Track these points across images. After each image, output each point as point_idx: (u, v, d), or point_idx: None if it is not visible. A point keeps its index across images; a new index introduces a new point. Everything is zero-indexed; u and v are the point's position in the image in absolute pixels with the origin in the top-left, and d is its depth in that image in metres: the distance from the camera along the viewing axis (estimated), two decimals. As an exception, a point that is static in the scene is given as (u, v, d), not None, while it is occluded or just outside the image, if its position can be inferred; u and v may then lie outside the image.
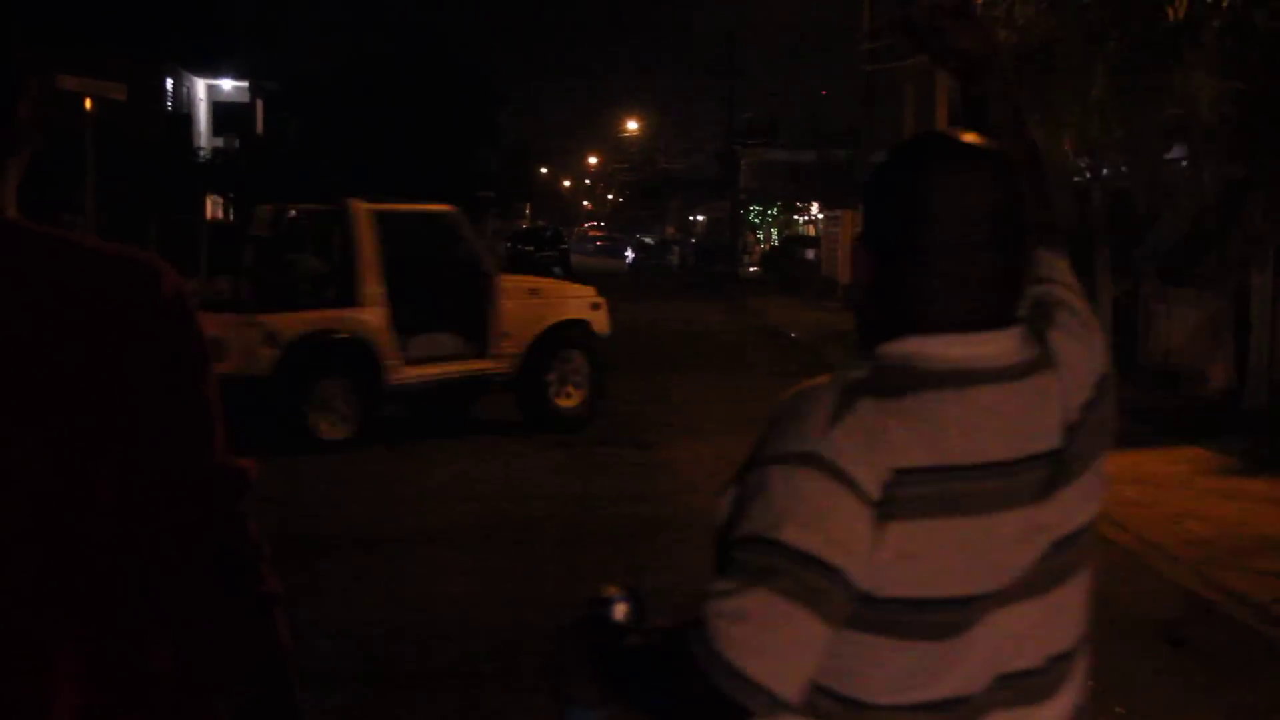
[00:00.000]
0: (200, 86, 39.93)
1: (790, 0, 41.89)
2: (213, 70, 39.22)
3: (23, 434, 1.61)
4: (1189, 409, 14.54)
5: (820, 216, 47.79)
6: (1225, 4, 12.47)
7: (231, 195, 34.80)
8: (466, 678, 5.92)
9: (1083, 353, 1.73)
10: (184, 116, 37.34)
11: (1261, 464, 11.32)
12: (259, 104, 40.90)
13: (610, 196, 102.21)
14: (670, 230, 78.21)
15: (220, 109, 40.31)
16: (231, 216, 34.64)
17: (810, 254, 43.42)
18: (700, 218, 74.39)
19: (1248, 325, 14.55)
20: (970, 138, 1.70)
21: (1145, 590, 7.77)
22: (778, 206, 59.70)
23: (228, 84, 40.28)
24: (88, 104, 17.32)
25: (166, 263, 1.74)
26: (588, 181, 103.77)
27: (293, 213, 13.55)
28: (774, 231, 62.57)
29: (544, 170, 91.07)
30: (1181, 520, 9.47)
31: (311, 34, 39.12)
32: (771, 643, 1.53)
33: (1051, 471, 1.64)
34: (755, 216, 64.24)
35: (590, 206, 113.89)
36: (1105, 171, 17.92)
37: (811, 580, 1.52)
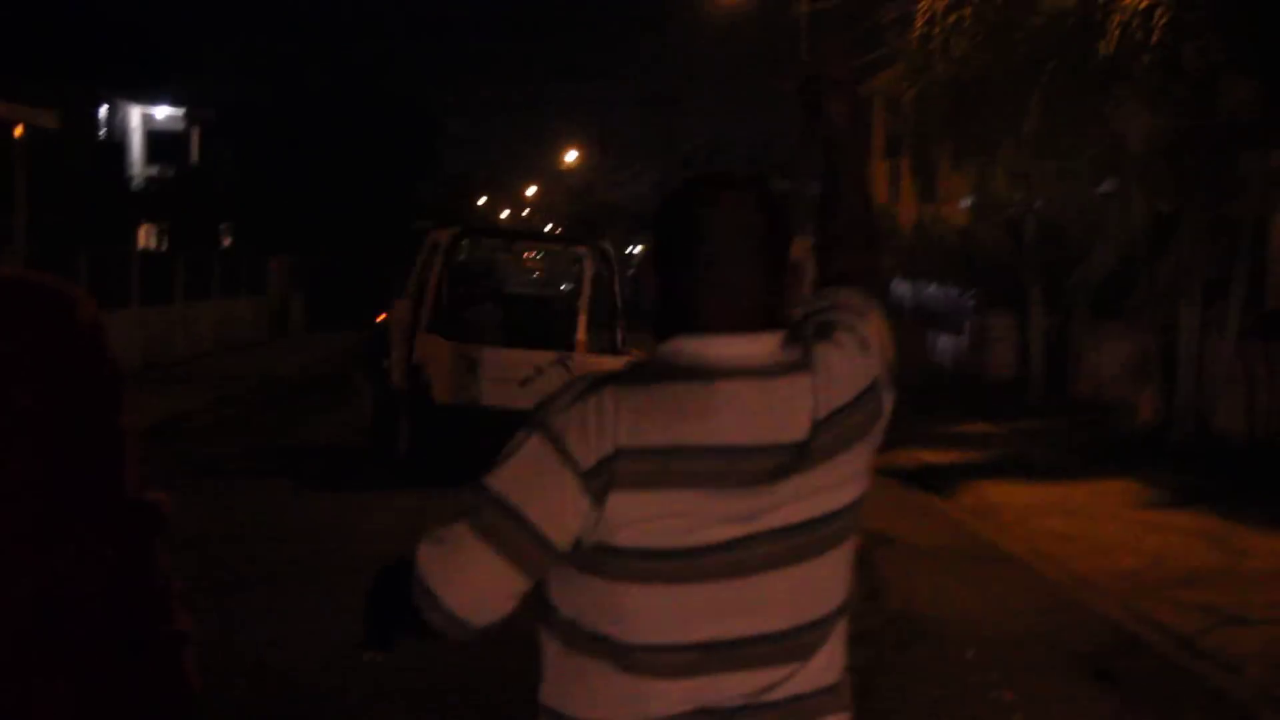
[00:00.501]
0: (135, 114, 39.53)
1: (731, 33, 42.08)
2: (148, 98, 38.84)
3: None
4: (1118, 442, 14.63)
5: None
6: (1155, 39, 12.60)
7: (165, 224, 34.47)
8: (385, 713, 5.82)
9: (848, 366, 1.95)
10: (117, 145, 36.94)
11: (1188, 497, 11.39)
12: (195, 132, 40.59)
13: (549, 227, 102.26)
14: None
15: (155, 137, 39.95)
16: (165, 246, 34.31)
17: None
18: (639, 248, 74.57)
19: (1174, 358, 14.68)
20: (737, 174, 1.99)
21: (1072, 623, 7.78)
22: (717, 238, 59.88)
23: (163, 112, 39.94)
24: (17, 131, 17.09)
25: (83, 292, 1.71)
26: (526, 212, 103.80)
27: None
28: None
29: (483, 201, 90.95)
30: (1109, 552, 9.50)
31: (249, 63, 38.85)
32: (456, 566, 1.81)
33: (790, 459, 1.85)
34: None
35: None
36: (1038, 204, 18.09)
37: (503, 525, 1.79)
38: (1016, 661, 6.84)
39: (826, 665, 1.94)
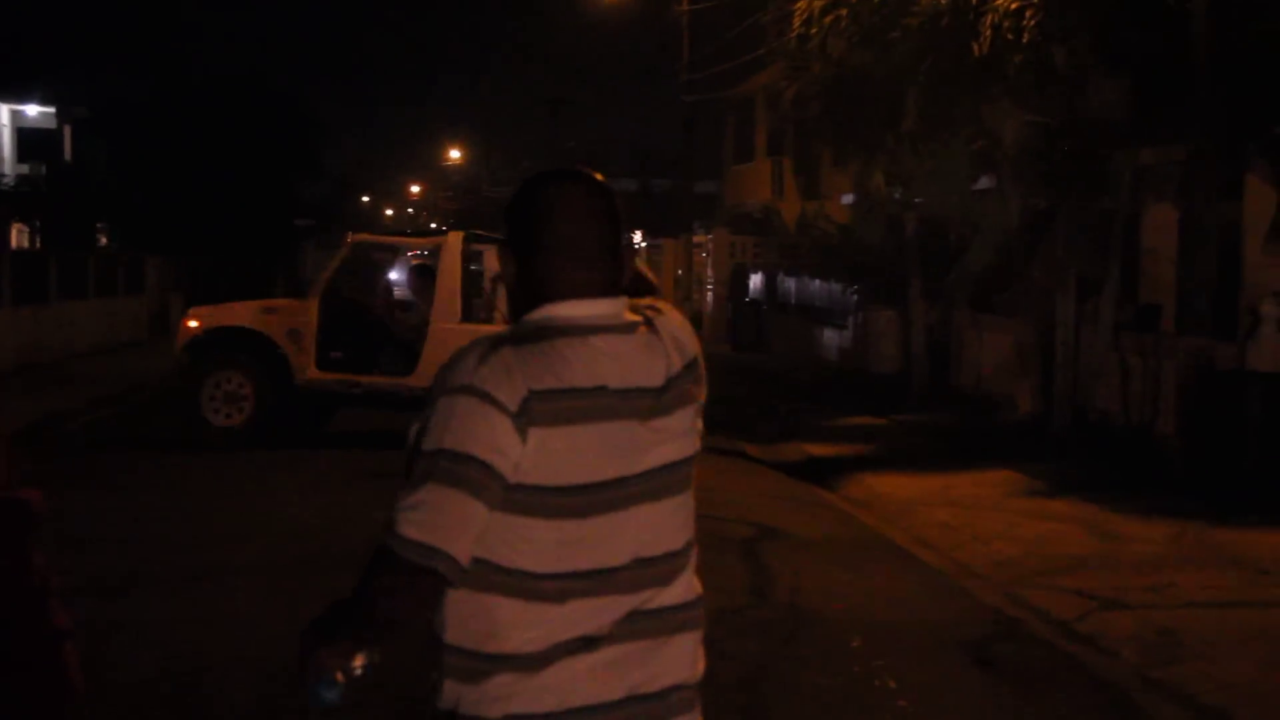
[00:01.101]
0: (3, 111, 38.62)
1: (616, 30, 42.25)
2: (17, 95, 37.96)
3: None
4: (998, 433, 14.93)
5: (643, 244, 48.10)
6: (1026, 39, 12.87)
7: (37, 223, 33.70)
8: (272, 713, 5.77)
9: (683, 335, 2.34)
10: (-16, 142, 36.10)
11: (1067, 485, 11.65)
12: (66, 130, 39.72)
13: (434, 225, 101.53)
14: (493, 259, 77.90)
15: (25, 134, 39.05)
16: (38, 244, 33.56)
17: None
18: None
19: (1052, 351, 15.00)
20: (576, 167, 2.37)
21: (955, 610, 7.93)
22: (601, 236, 59.92)
23: (33, 109, 39.03)
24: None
25: None
26: (410, 210, 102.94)
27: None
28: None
29: (366, 199, 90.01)
30: (990, 541, 9.69)
31: (123, 60, 38.08)
32: (442, 519, 2.09)
33: (654, 402, 2.22)
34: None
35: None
36: (917, 201, 18.37)
37: (469, 472, 2.09)
38: (901, 649, 6.95)
39: (687, 587, 2.31)
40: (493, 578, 2.14)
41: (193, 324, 13.75)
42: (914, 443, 14.66)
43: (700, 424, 2.36)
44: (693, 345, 2.36)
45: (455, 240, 13.56)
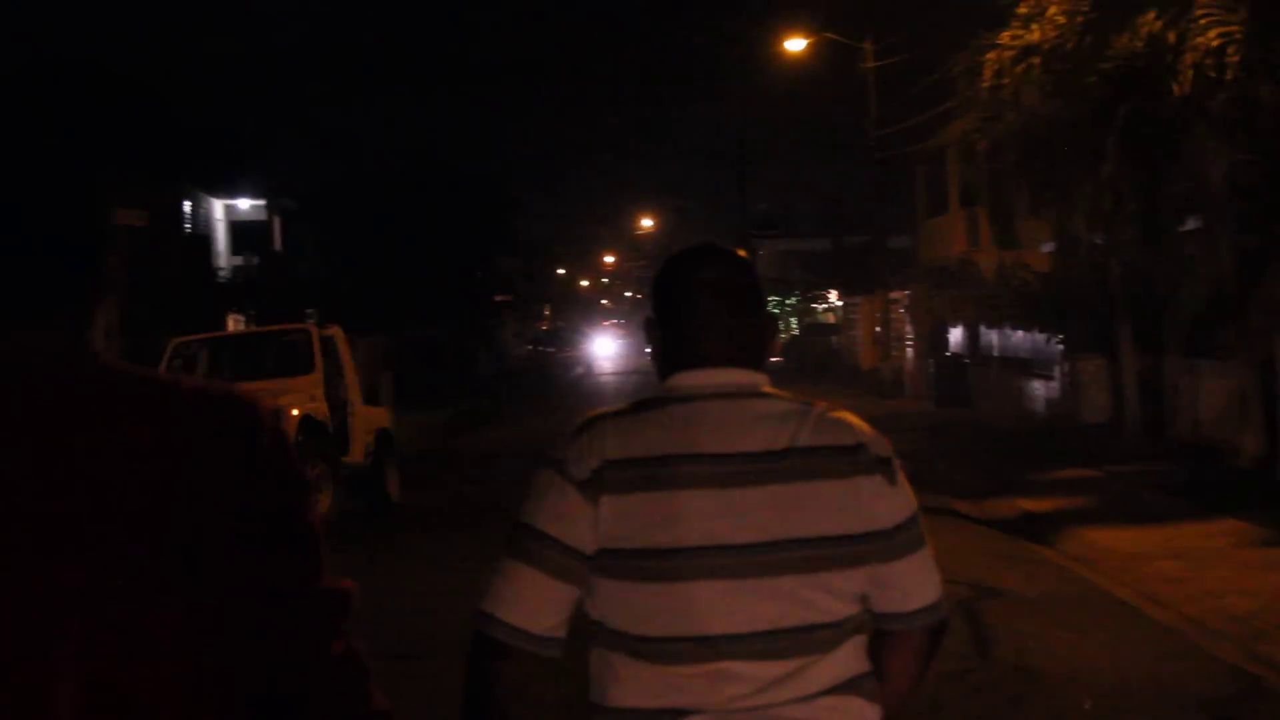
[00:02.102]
0: (218, 207, 40.36)
1: (799, 93, 42.34)
2: (229, 191, 39.65)
3: (132, 578, 1.65)
4: (1222, 481, 14.42)
5: (840, 304, 47.88)
6: (1230, 76, 12.55)
7: (252, 312, 35.06)
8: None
9: (826, 420, 2.23)
10: (203, 237, 37.71)
11: (1299, 533, 11.20)
12: (276, 221, 41.33)
13: (628, 294, 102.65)
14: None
15: (238, 228, 40.73)
16: (253, 333, 34.86)
17: (832, 341, 43.47)
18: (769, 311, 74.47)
19: (1275, 394, 14.48)
20: (716, 244, 2.41)
21: (1189, 667, 7.68)
22: (796, 295, 59.89)
23: (245, 203, 40.72)
24: (109, 231, 17.55)
25: (265, 400, 1.80)
26: (605, 280, 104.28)
27: None
28: (793, 320, 62.73)
29: (561, 271, 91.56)
30: (1222, 595, 9.36)
31: (325, 150, 39.51)
32: (504, 589, 2.18)
33: (769, 464, 2.16)
34: (774, 307, 64.39)
35: (609, 305, 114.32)
36: (1121, 245, 17.96)
37: (532, 545, 2.17)
38: (1135, 710, 6.76)
39: (837, 664, 2.19)
40: (609, 639, 2.20)
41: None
42: (1131, 494, 14.26)
43: (884, 508, 2.23)
44: (860, 435, 2.24)
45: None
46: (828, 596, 2.18)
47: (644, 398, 2.28)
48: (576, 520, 2.15)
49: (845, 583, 2.20)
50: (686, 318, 2.29)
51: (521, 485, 2.28)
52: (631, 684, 2.17)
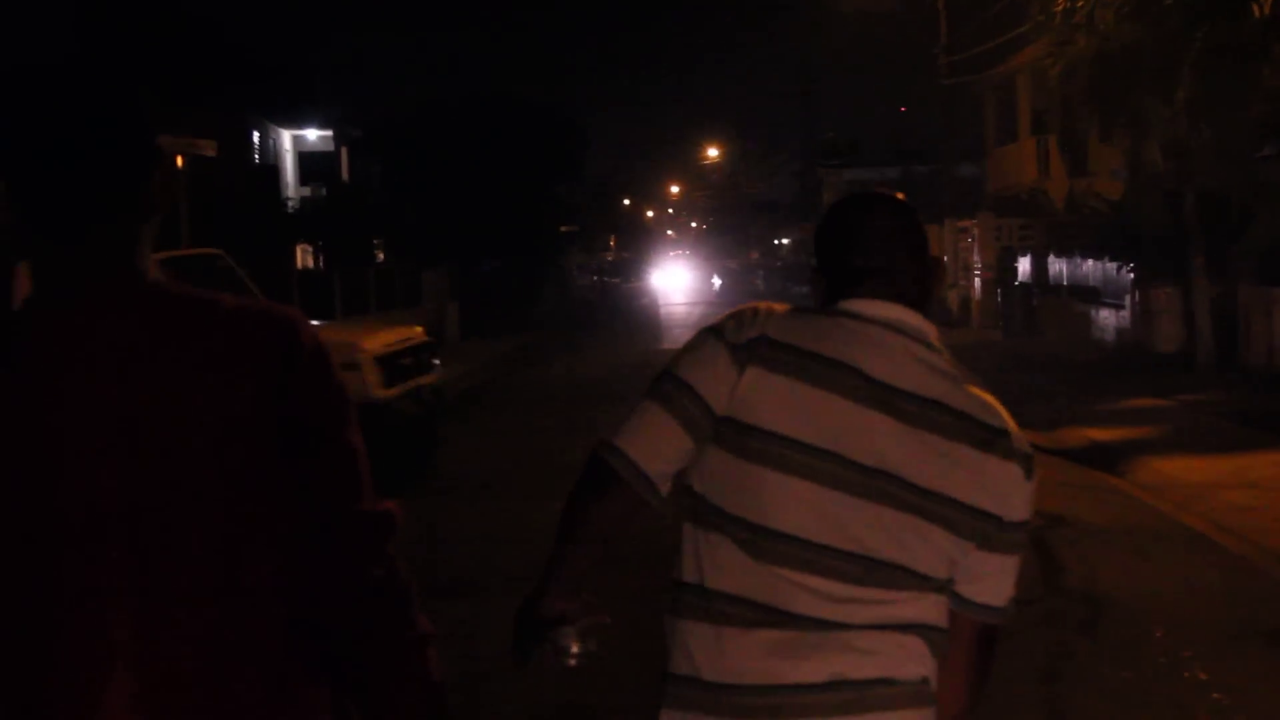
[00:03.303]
0: (286, 137, 40.53)
1: (866, 17, 41.75)
2: (297, 121, 39.82)
3: (181, 491, 1.69)
4: (1296, 410, 14.23)
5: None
6: (1312, -3, 12.27)
7: (320, 243, 35.27)
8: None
9: (973, 398, 2.25)
10: (271, 168, 37.91)
11: (1375, 463, 11.05)
12: (343, 152, 41.45)
13: (694, 224, 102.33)
14: (754, 255, 78.13)
15: (306, 159, 40.93)
16: (321, 263, 35.10)
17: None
18: (785, 240, 74.25)
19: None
20: (882, 190, 2.45)
21: (1258, 595, 7.62)
22: (862, 225, 59.38)
23: (312, 134, 40.88)
24: (179, 161, 17.67)
25: (303, 315, 1.81)
26: (671, 210, 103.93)
27: None
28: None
29: (627, 202, 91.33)
30: (1295, 524, 9.27)
31: (391, 80, 39.54)
32: (635, 425, 2.25)
33: (901, 403, 2.18)
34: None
35: (674, 235, 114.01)
36: (1196, 172, 17.67)
37: (673, 392, 2.23)
38: (1208, 640, 6.71)
39: (912, 608, 2.22)
40: (712, 516, 2.22)
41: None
42: (1203, 423, 14.11)
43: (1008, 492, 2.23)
44: (1007, 423, 2.25)
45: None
46: (924, 546, 2.19)
47: (811, 307, 2.34)
48: (718, 378, 2.21)
49: (946, 544, 2.20)
50: (856, 259, 2.33)
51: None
52: (717, 567, 2.21)
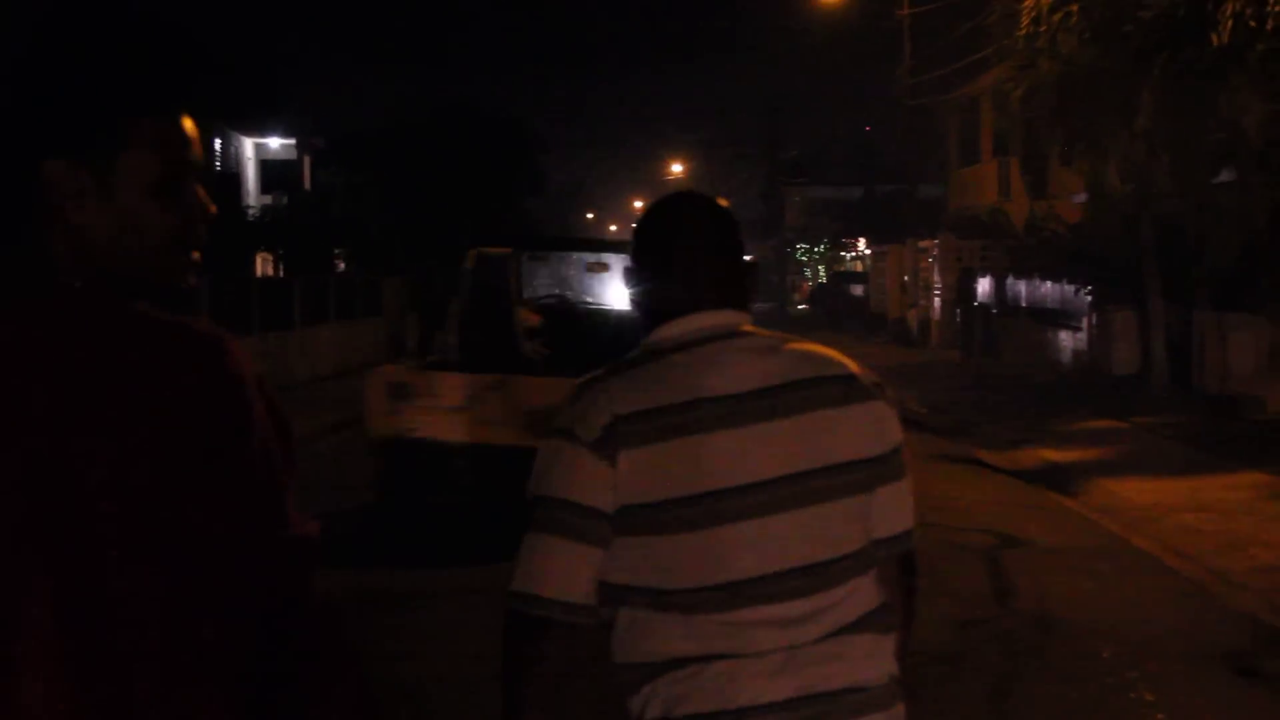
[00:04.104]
0: (248, 145, 40.34)
1: (832, 37, 42.00)
2: (260, 129, 39.63)
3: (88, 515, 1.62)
4: (1247, 434, 14.35)
5: (868, 252, 47.67)
6: (1270, 26, 12.38)
7: (281, 251, 35.11)
8: None
9: (810, 354, 2.29)
10: (233, 175, 37.68)
11: (1325, 488, 11.16)
12: (306, 161, 41.28)
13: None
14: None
15: (268, 167, 40.70)
16: (281, 272, 34.96)
17: (858, 289, 43.34)
18: (747, 257, 74.31)
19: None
20: (696, 191, 2.49)
21: (1212, 619, 7.67)
22: (825, 244, 59.62)
23: (275, 142, 40.69)
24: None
25: (229, 334, 1.73)
26: (634, 225, 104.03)
27: None
28: (821, 269, 62.47)
29: (590, 215, 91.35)
30: (1246, 547, 9.34)
31: (356, 91, 39.52)
32: (535, 564, 2.15)
33: (773, 400, 2.18)
34: (802, 254, 64.14)
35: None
36: (1154, 197, 17.81)
37: (555, 515, 2.14)
38: (1156, 660, 6.75)
39: (864, 596, 2.23)
40: (634, 599, 2.17)
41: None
42: (1156, 446, 14.22)
43: (888, 432, 2.27)
44: (847, 366, 2.29)
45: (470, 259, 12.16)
46: (846, 524, 2.21)
47: (634, 355, 2.27)
48: (593, 481, 2.13)
49: (860, 508, 2.23)
50: (672, 263, 2.31)
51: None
52: (661, 636, 2.16)
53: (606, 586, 2.17)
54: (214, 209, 1.83)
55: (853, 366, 2.29)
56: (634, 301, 2.38)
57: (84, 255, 1.72)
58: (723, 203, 2.43)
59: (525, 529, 2.18)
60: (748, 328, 2.29)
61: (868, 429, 2.25)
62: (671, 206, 2.42)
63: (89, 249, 1.72)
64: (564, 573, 2.14)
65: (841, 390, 2.24)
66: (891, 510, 2.29)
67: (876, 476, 2.25)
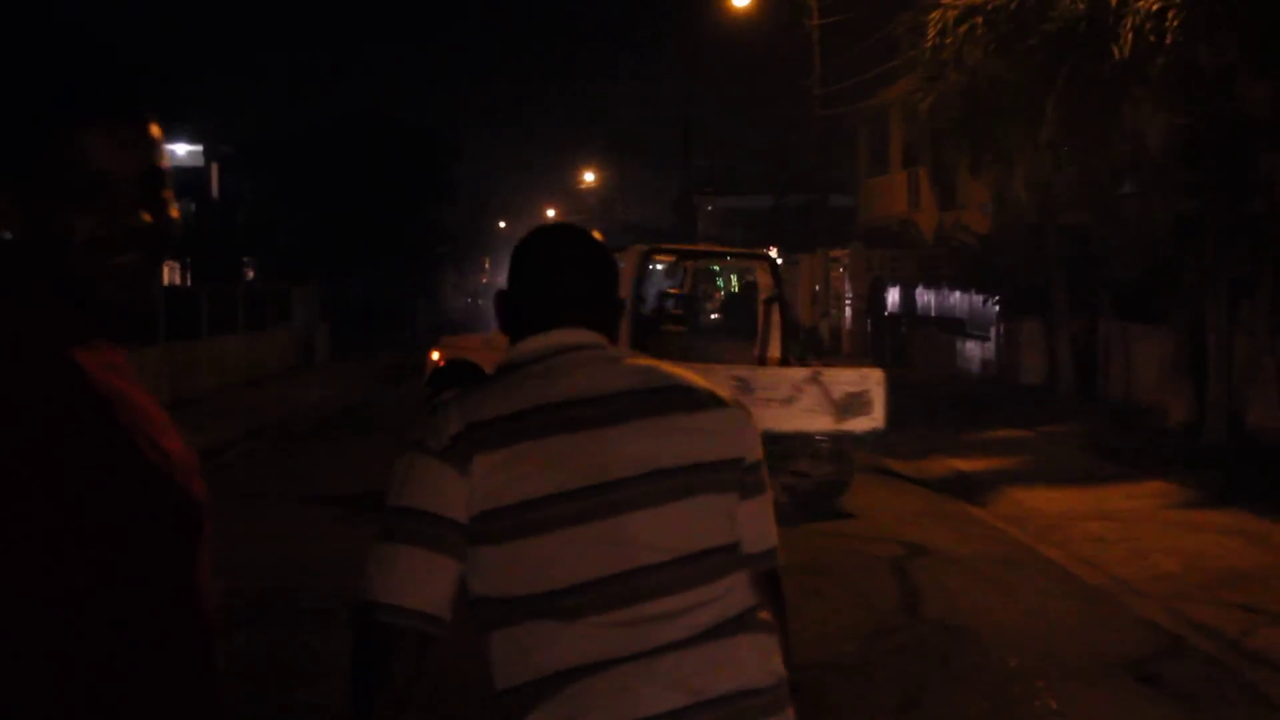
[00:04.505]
0: (154, 152, 39.78)
1: (744, 48, 42.23)
2: (167, 134, 39.01)
3: None
4: (1151, 443, 14.58)
5: (779, 261, 47.91)
6: (1169, 40, 12.60)
7: (188, 260, 34.66)
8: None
9: (654, 369, 2.34)
10: (138, 182, 37.17)
11: (1224, 496, 11.35)
12: (214, 168, 40.78)
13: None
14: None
15: (175, 174, 40.11)
16: (189, 280, 34.52)
17: (770, 299, 43.42)
18: (659, 266, 74.61)
19: (1204, 358, 14.65)
20: (575, 225, 2.56)
21: (1114, 627, 7.77)
22: (737, 253, 59.77)
23: (182, 149, 40.16)
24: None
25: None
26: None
27: None
28: (734, 278, 62.75)
29: (502, 224, 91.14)
30: (1148, 555, 9.47)
31: (265, 97, 39.06)
32: (383, 573, 2.13)
33: (632, 401, 2.24)
34: (713, 263, 64.34)
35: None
36: (1059, 208, 18.06)
37: (406, 524, 2.14)
38: (1061, 668, 6.82)
39: (736, 596, 2.25)
40: (484, 610, 2.18)
41: (435, 356, 13.92)
42: (1063, 455, 14.40)
43: (738, 431, 2.32)
44: (702, 382, 2.36)
45: (633, 254, 12.55)
46: (717, 518, 2.25)
47: (499, 367, 2.33)
48: (446, 490, 2.14)
49: (723, 504, 2.27)
50: (544, 288, 2.37)
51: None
52: (545, 647, 2.14)
53: (484, 603, 2.17)
54: (149, 218, 1.81)
55: (697, 380, 2.35)
56: (502, 320, 2.43)
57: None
58: (598, 236, 2.49)
59: (376, 536, 2.16)
60: (608, 347, 2.35)
61: (725, 431, 2.30)
62: (548, 234, 2.50)
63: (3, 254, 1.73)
64: (416, 581, 2.12)
65: (699, 399, 2.30)
66: (754, 526, 2.34)
67: (739, 483, 2.29)
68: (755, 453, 2.35)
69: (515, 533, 2.13)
